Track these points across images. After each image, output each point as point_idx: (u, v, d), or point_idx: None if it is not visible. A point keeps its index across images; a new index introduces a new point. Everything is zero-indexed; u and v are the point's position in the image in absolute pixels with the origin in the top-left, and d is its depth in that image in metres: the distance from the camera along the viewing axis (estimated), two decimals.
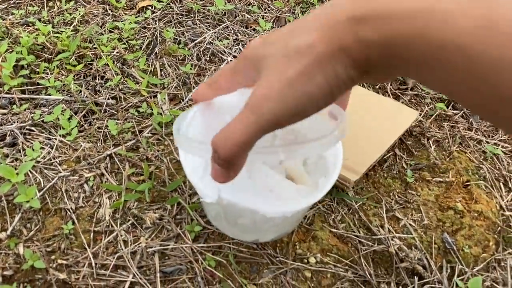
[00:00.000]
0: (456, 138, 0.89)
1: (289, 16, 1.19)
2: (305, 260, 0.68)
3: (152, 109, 0.88)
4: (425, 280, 0.67)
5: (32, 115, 0.86)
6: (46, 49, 1.01)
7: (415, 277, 0.68)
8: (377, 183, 0.80)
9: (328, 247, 0.70)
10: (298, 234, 0.71)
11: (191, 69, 0.99)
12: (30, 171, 0.75)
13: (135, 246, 0.68)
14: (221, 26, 1.14)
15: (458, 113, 0.96)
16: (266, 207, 0.52)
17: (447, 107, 0.97)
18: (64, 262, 0.66)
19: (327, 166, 0.63)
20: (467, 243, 0.73)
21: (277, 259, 0.68)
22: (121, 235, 0.69)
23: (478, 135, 0.92)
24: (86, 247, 0.67)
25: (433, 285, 0.67)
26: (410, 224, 0.74)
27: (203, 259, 0.67)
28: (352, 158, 0.77)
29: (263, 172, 0.64)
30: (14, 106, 0.88)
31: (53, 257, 0.66)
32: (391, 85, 1.01)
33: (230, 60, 1.03)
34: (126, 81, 0.93)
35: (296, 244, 0.70)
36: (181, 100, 0.93)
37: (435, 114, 0.94)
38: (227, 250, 0.68)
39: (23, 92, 0.92)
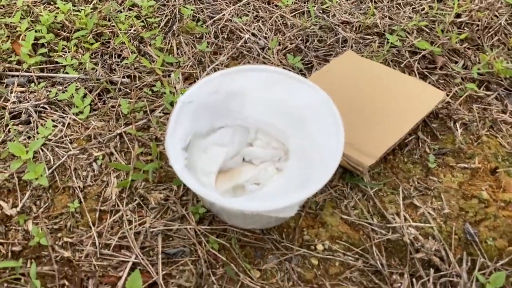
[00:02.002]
0: (486, 121, 0.82)
1: None
2: (312, 247, 0.65)
3: (165, 88, 0.86)
4: (442, 273, 0.63)
5: (48, 93, 0.86)
6: (65, 27, 1.01)
7: (431, 269, 0.63)
8: (396, 168, 0.76)
9: (338, 234, 0.67)
10: (306, 219, 0.68)
11: (207, 47, 0.97)
12: (41, 148, 0.76)
13: (140, 226, 0.67)
14: (241, 2, 1.10)
15: (492, 94, 0.89)
16: (254, 205, 0.49)
17: (479, 88, 0.90)
18: (69, 240, 0.66)
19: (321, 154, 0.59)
20: (491, 234, 0.67)
21: (282, 244, 0.65)
22: (127, 215, 0.68)
23: None
24: (91, 226, 0.67)
25: (450, 278, 0.62)
26: (429, 213, 0.69)
27: (206, 241, 0.65)
28: (369, 141, 0.73)
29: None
30: (32, 84, 0.89)
31: (59, 234, 0.67)
32: (418, 63, 0.94)
33: (248, 38, 0.99)
34: (141, 59, 0.92)
35: (303, 230, 0.67)
36: (196, 79, 0.91)
37: (465, 95, 0.87)
38: (231, 234, 0.66)
39: (41, 70, 0.93)
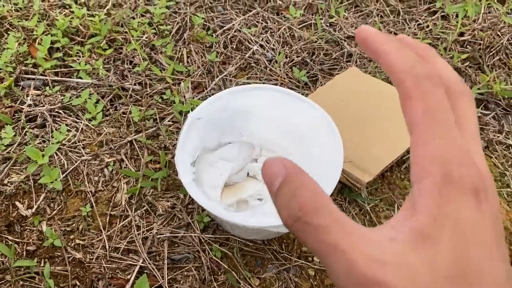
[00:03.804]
0: (482, 141, 0.85)
1: (321, 3, 1.16)
2: (310, 258, 0.69)
3: (175, 97, 0.90)
4: None
5: (62, 97, 0.90)
6: (79, 32, 1.04)
7: None
8: (393, 184, 0.79)
9: None
10: None
11: (216, 57, 1.00)
12: (55, 153, 0.80)
13: (147, 232, 0.71)
14: (251, 12, 1.13)
15: (489, 114, 0.92)
16: (256, 221, 0.53)
17: (478, 107, 0.93)
18: (81, 242, 0.70)
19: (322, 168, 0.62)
20: None
21: (282, 255, 0.69)
22: (135, 221, 0.72)
23: (508, 139, 0.88)
24: (102, 229, 0.71)
25: None
26: None
27: (210, 249, 0.69)
28: (368, 158, 0.76)
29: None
30: (47, 88, 0.92)
31: (71, 236, 0.71)
32: None
33: (256, 49, 1.03)
34: (152, 67, 0.95)
35: None
36: (204, 89, 0.94)
37: None
38: (234, 243, 0.70)
39: (56, 74, 0.96)
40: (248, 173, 0.72)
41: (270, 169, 0.22)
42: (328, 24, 1.10)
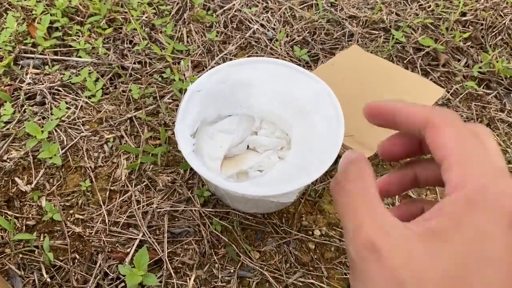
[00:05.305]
0: (483, 119, 0.85)
1: None
2: (310, 232, 0.69)
3: (174, 75, 0.89)
4: None
5: (61, 76, 0.89)
6: (79, 12, 1.03)
7: None
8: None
9: (335, 221, 0.70)
10: (305, 206, 0.71)
11: (216, 36, 0.99)
12: (55, 129, 0.79)
13: (147, 206, 0.71)
14: None
15: (492, 93, 0.91)
16: (256, 190, 0.52)
17: (480, 86, 0.92)
18: (81, 217, 0.70)
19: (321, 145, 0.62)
20: None
21: (282, 228, 0.69)
22: (135, 195, 0.72)
23: (510, 117, 0.87)
24: (102, 204, 0.71)
25: None
26: None
27: (210, 223, 0.69)
28: (369, 134, 0.76)
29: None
30: (47, 67, 0.92)
31: (71, 211, 0.71)
32: (422, 60, 0.96)
33: (257, 29, 1.02)
34: (152, 46, 0.95)
35: (302, 216, 0.70)
36: (204, 68, 0.94)
37: (465, 93, 0.90)
38: (234, 217, 0.69)
39: (55, 53, 0.96)
40: (248, 146, 0.72)
41: (350, 155, 0.24)
42: (329, 4, 1.10)
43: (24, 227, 0.69)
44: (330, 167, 0.56)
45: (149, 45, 0.96)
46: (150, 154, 0.76)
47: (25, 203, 0.72)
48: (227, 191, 0.55)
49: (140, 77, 0.91)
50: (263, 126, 0.72)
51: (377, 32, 1.03)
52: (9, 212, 0.71)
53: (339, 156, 0.71)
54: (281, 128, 0.71)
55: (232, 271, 0.65)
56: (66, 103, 0.84)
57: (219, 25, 1.03)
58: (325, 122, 0.64)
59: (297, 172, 0.62)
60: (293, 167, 0.63)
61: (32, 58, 0.94)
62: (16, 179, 0.74)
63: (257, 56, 0.96)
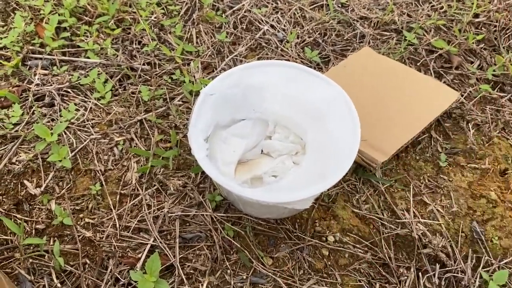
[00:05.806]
0: (498, 123, 0.84)
1: None
2: (324, 238, 0.68)
3: (184, 77, 0.88)
4: (447, 268, 0.65)
5: (70, 77, 0.88)
6: (87, 12, 1.02)
7: (437, 264, 0.66)
8: (408, 165, 0.77)
9: (348, 227, 0.69)
10: (318, 211, 0.70)
11: (226, 37, 0.98)
12: (64, 131, 0.79)
13: (158, 211, 0.70)
14: None
15: (505, 96, 0.90)
16: (271, 196, 0.51)
17: (493, 89, 0.91)
18: (91, 221, 0.69)
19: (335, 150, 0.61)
20: (497, 234, 0.69)
21: (295, 234, 0.68)
22: (146, 199, 0.71)
23: None
24: (112, 208, 0.70)
25: (455, 274, 0.65)
26: (438, 210, 0.72)
27: (222, 228, 0.68)
28: (383, 138, 0.75)
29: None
30: (55, 68, 0.91)
31: (81, 215, 0.70)
32: (434, 62, 0.95)
33: (267, 30, 1.01)
34: (161, 47, 0.94)
35: (316, 221, 0.69)
36: (215, 69, 0.93)
37: (479, 96, 0.88)
38: (246, 222, 0.68)
39: (63, 54, 0.95)
40: (262, 150, 0.71)
41: None
42: (340, 5, 1.08)
43: (33, 231, 0.69)
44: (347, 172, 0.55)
45: (158, 46, 0.95)
46: (161, 157, 0.75)
47: (35, 206, 0.71)
48: (242, 197, 0.54)
49: (149, 78, 0.90)
50: (277, 130, 0.71)
51: (388, 34, 1.01)
52: (18, 216, 0.70)
53: (354, 162, 0.69)
54: (296, 133, 0.70)
55: (244, 277, 0.64)
56: (75, 104, 0.83)
57: (229, 26, 1.02)
58: (340, 126, 0.63)
59: (312, 177, 0.61)
60: (308, 172, 0.62)
61: (40, 58, 0.93)
62: (25, 182, 0.73)
63: (267, 57, 0.95)
